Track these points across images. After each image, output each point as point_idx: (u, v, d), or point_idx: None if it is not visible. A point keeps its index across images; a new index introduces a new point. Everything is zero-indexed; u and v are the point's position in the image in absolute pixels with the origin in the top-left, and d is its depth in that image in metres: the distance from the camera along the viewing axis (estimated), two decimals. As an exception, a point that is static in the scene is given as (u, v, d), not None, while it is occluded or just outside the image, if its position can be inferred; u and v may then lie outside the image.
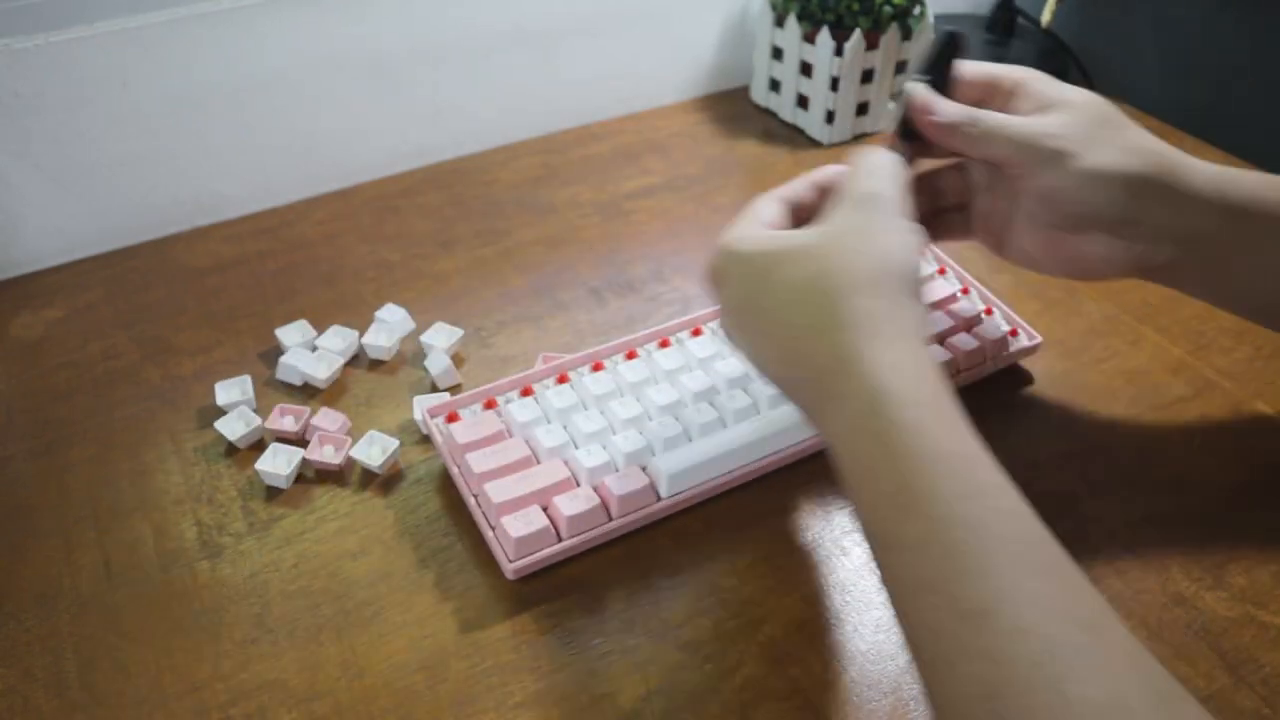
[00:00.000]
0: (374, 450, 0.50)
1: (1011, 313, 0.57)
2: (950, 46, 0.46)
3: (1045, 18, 0.80)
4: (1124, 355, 0.58)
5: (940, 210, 0.50)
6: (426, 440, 0.53)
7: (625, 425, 0.49)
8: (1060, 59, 0.86)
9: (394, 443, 0.50)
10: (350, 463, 0.51)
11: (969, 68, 0.46)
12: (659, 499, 0.47)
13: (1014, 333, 0.56)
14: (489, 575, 0.46)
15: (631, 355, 0.53)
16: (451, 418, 0.50)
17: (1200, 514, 0.48)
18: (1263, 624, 0.43)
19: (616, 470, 0.48)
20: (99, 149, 0.65)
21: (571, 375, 0.53)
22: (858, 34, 0.73)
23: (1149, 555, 0.46)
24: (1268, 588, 0.45)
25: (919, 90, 0.45)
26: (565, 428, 0.49)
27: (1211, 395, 0.55)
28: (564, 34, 0.77)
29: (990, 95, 0.46)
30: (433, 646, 0.43)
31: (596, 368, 0.53)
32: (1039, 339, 0.56)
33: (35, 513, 0.49)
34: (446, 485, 0.50)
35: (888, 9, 0.74)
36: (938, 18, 0.86)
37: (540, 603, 0.44)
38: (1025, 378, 0.56)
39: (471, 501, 0.47)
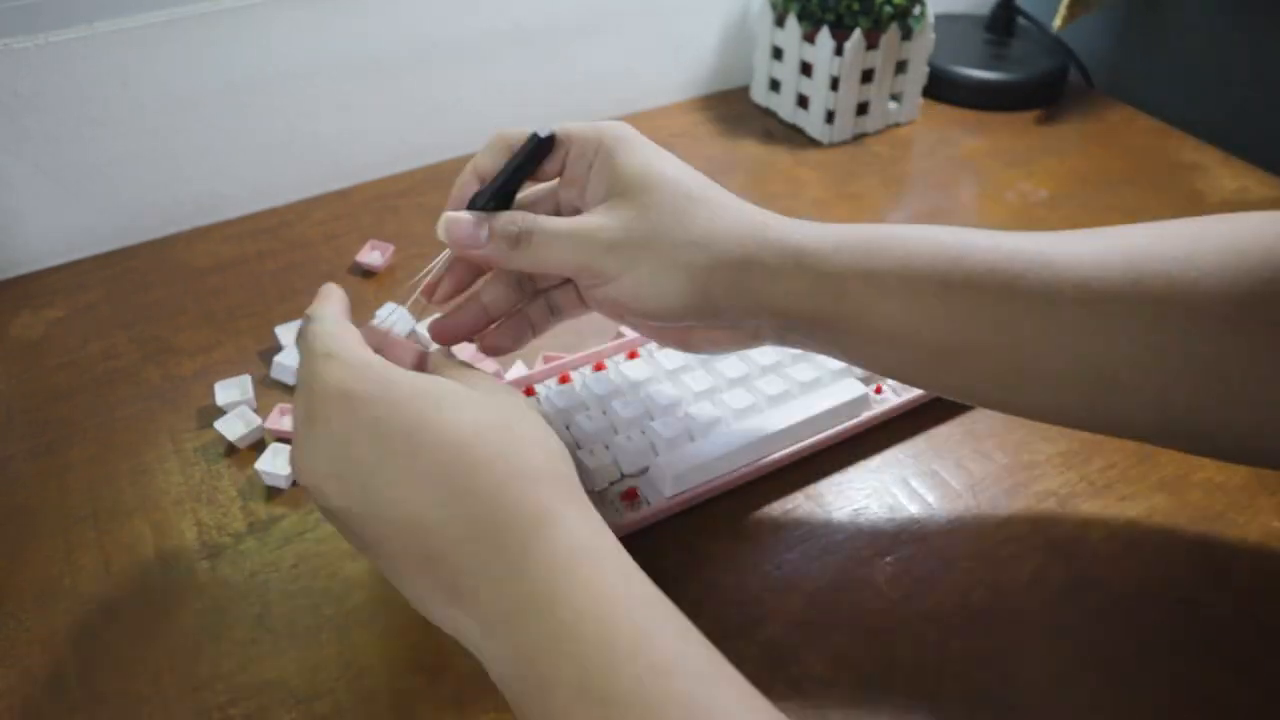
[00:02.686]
0: None
1: None
2: (539, 150, 0.41)
3: (1057, 24, 0.80)
4: (1162, 447, 0.57)
5: (537, 295, 0.46)
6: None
7: (627, 425, 0.49)
8: (1060, 59, 0.86)
9: None
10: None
11: (551, 162, 0.42)
12: (661, 498, 0.47)
13: None
14: (489, 575, 0.46)
15: (633, 355, 0.53)
16: None
17: (1200, 514, 0.48)
18: (1263, 624, 0.43)
19: (619, 471, 0.48)
20: (99, 149, 0.65)
21: (573, 375, 0.52)
22: (858, 34, 0.73)
23: (1149, 555, 0.46)
24: (1268, 588, 0.45)
25: (455, 225, 0.40)
26: (568, 428, 0.49)
27: (1211, 395, 0.55)
28: (564, 34, 0.77)
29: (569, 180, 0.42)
30: (433, 646, 0.43)
31: (598, 367, 0.53)
32: None
33: (35, 513, 0.49)
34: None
35: (888, 9, 0.74)
36: (937, 17, 0.86)
37: (540, 603, 0.44)
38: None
39: None
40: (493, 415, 0.36)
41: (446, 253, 0.42)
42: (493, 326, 0.46)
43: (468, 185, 0.42)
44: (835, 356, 0.43)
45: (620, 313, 0.42)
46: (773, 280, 0.39)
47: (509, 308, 0.45)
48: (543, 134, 0.40)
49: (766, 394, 0.50)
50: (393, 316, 0.59)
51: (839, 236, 0.39)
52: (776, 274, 0.39)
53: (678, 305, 0.39)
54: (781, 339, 0.42)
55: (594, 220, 0.40)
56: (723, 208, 0.40)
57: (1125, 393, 0.38)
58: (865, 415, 0.51)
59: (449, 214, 0.40)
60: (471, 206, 0.41)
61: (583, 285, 0.42)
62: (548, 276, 0.45)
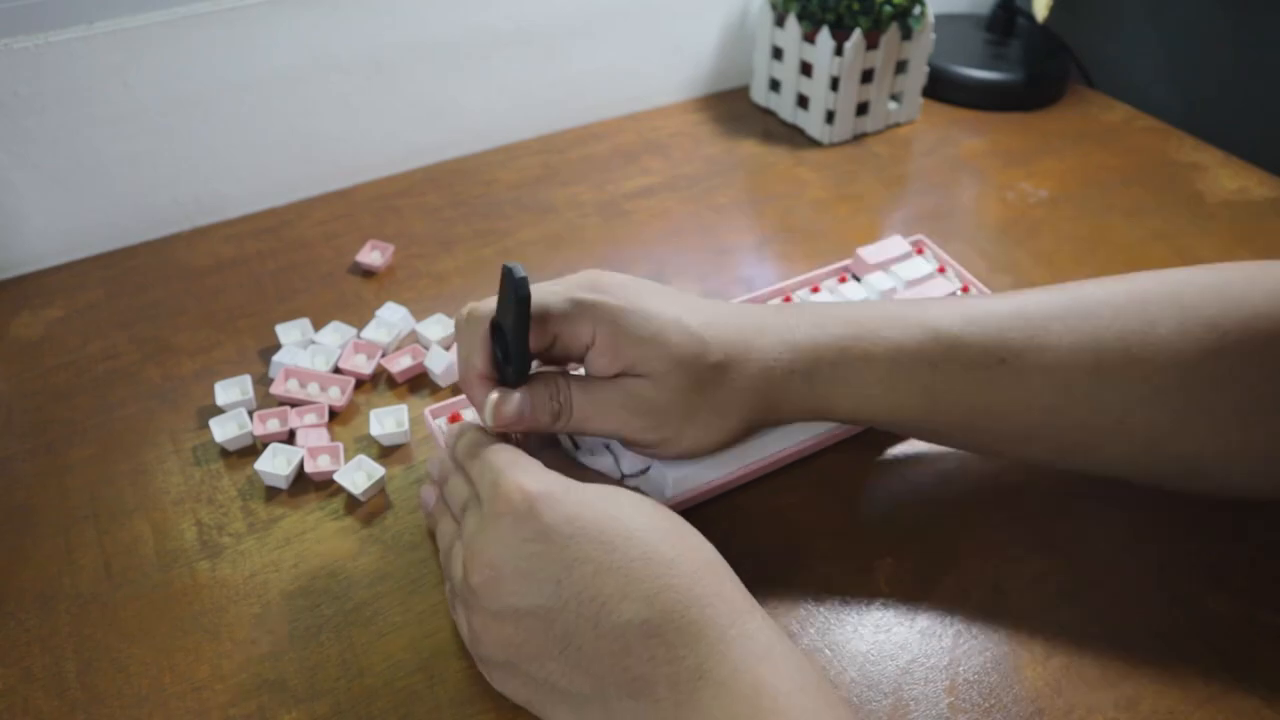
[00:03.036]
0: (359, 476, 0.49)
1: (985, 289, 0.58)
2: (523, 292, 0.38)
3: (1041, 14, 0.80)
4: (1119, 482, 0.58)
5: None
6: (427, 439, 0.53)
7: None
8: (1060, 59, 0.86)
9: (379, 470, 0.49)
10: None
11: (535, 341, 0.41)
12: (661, 499, 0.47)
13: None
14: (489, 575, 0.46)
15: None
16: (454, 418, 0.50)
17: (1200, 514, 0.48)
18: (1263, 624, 0.43)
19: (620, 471, 0.48)
20: (99, 149, 0.65)
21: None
22: (858, 34, 0.73)
23: (1149, 555, 0.46)
24: (1268, 588, 0.45)
25: (502, 408, 0.41)
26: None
27: (1211, 395, 0.55)
28: (564, 34, 0.77)
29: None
30: (433, 646, 0.43)
31: None
32: None
33: (35, 513, 0.49)
34: (446, 485, 0.50)
35: (888, 9, 0.74)
36: (937, 17, 0.86)
37: (540, 603, 0.44)
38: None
39: None
40: (664, 517, 0.38)
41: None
42: None
43: (475, 376, 0.42)
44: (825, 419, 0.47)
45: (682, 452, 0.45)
46: (787, 398, 0.44)
47: None
48: (518, 273, 0.38)
49: None
50: (394, 316, 0.60)
51: (836, 339, 0.43)
52: (789, 393, 0.43)
53: (718, 446, 0.45)
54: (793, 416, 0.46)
55: (627, 398, 0.42)
56: (742, 361, 0.42)
57: (1101, 452, 0.43)
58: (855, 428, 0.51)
59: (493, 397, 0.41)
60: (502, 378, 0.41)
61: (627, 443, 0.44)
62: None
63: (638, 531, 0.36)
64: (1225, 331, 0.40)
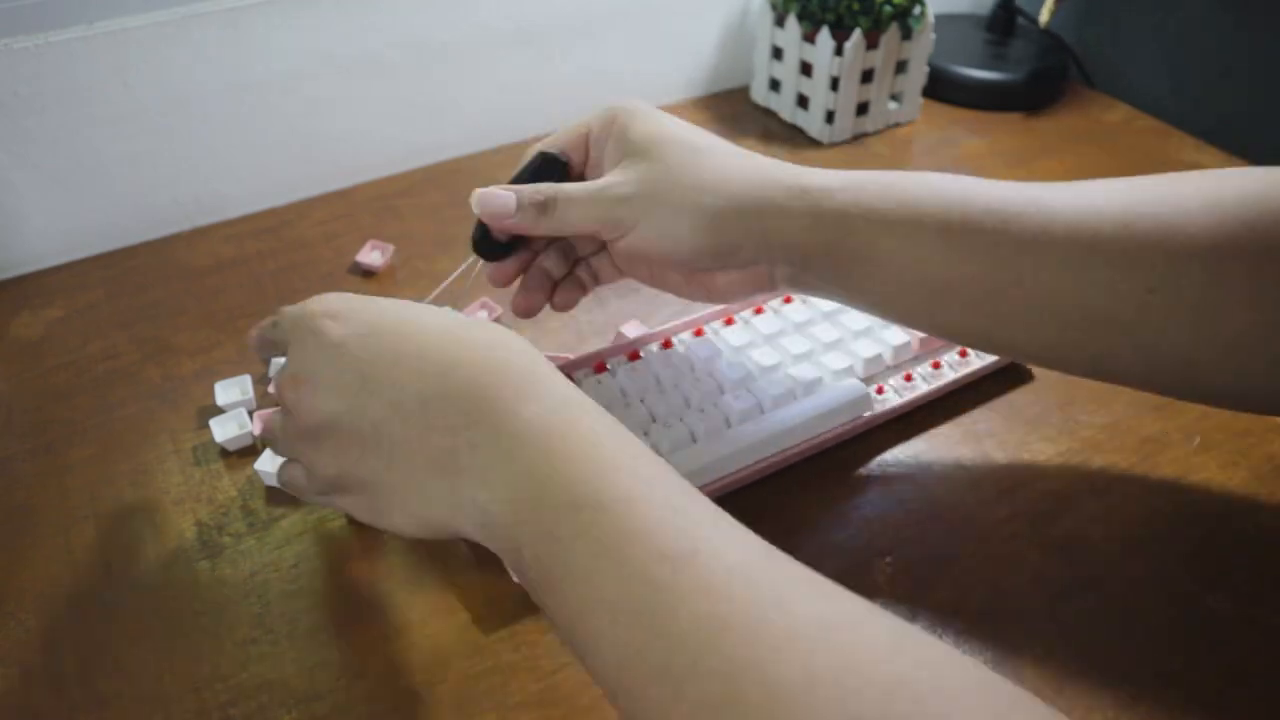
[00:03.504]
0: None
1: None
2: (549, 168, 0.46)
3: (1044, 18, 0.80)
4: (1146, 390, 0.58)
5: (569, 273, 0.50)
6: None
7: (630, 428, 0.49)
8: (1060, 59, 0.86)
9: None
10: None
11: (574, 154, 0.47)
12: None
13: None
14: (489, 575, 0.46)
15: (635, 356, 0.53)
16: None
17: (1200, 514, 0.48)
18: (1263, 624, 0.43)
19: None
20: (99, 149, 0.65)
21: (575, 376, 0.52)
22: (858, 34, 0.73)
23: (1149, 555, 0.46)
24: (1268, 588, 0.45)
25: (487, 197, 0.44)
26: None
27: (1211, 395, 0.55)
28: (564, 34, 0.77)
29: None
30: (433, 646, 0.43)
31: (599, 368, 0.53)
32: None
33: (35, 513, 0.49)
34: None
35: (888, 9, 0.74)
36: (937, 17, 0.86)
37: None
38: (1025, 375, 0.56)
39: None
40: (462, 319, 0.39)
41: (471, 258, 0.48)
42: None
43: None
44: (841, 299, 0.45)
45: (643, 263, 0.45)
46: (782, 217, 0.42)
47: (560, 275, 0.50)
48: (550, 151, 0.46)
49: (769, 395, 0.50)
50: None
51: (844, 177, 0.42)
52: (785, 211, 0.41)
53: (693, 246, 0.42)
54: (794, 282, 0.44)
55: (608, 179, 0.44)
56: (730, 155, 0.43)
57: (1114, 333, 0.40)
58: (866, 415, 0.51)
59: (481, 190, 0.44)
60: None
61: (608, 242, 0.45)
62: (585, 243, 0.49)
63: (431, 323, 0.38)
64: (1259, 227, 0.38)
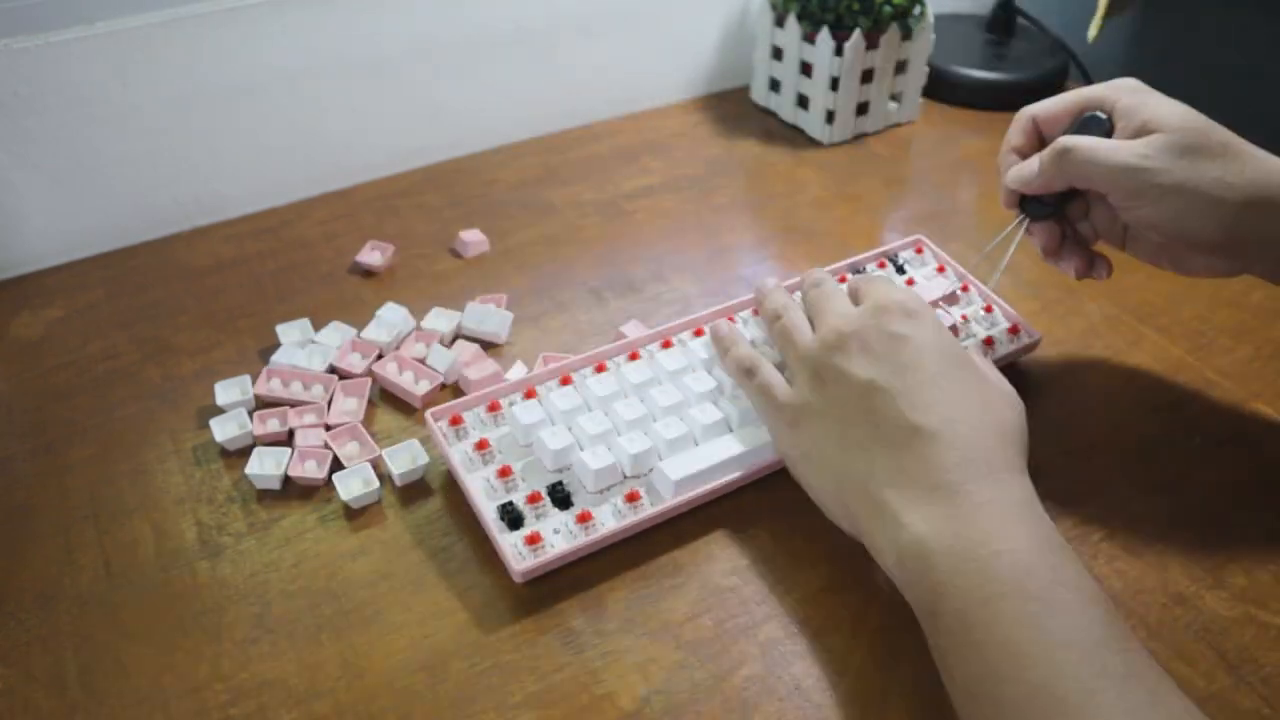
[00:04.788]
0: (354, 482, 0.49)
1: (1011, 310, 0.57)
2: (1093, 126, 0.48)
3: (1092, 33, 0.80)
4: (1124, 355, 0.58)
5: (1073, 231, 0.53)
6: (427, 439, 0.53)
7: (630, 427, 0.49)
8: (1060, 59, 0.86)
9: (375, 483, 0.49)
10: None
11: (1058, 104, 0.50)
12: (664, 500, 0.47)
13: (1014, 330, 0.56)
14: (489, 575, 0.46)
15: (634, 356, 0.53)
16: (455, 420, 0.50)
17: (1200, 514, 0.48)
18: (1263, 624, 0.43)
19: (622, 473, 0.48)
20: (99, 149, 0.65)
21: (575, 377, 0.52)
22: (858, 34, 0.73)
23: (1149, 555, 0.46)
24: (1268, 588, 0.45)
25: (1017, 172, 0.50)
26: (570, 429, 0.49)
27: (1211, 395, 0.55)
28: (564, 34, 0.77)
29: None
30: (433, 646, 0.43)
31: (599, 369, 0.52)
32: (1038, 336, 0.56)
33: (35, 513, 0.49)
34: (446, 485, 0.50)
35: (888, 9, 0.74)
36: (937, 17, 0.86)
37: (540, 602, 0.44)
38: (1025, 375, 0.56)
39: (477, 501, 0.47)
40: (995, 389, 0.45)
41: (1009, 228, 0.52)
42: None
43: (1011, 163, 0.51)
44: None
45: (1147, 231, 0.47)
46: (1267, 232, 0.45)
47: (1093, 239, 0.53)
48: (1103, 115, 0.48)
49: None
50: (394, 316, 0.60)
51: None
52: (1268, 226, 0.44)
53: (1208, 236, 0.45)
54: (1270, 275, 0.47)
55: (1136, 147, 0.45)
56: (1253, 155, 0.45)
57: None
58: None
59: (1013, 171, 0.50)
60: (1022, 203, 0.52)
61: (1119, 204, 0.47)
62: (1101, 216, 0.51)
63: (968, 380, 0.43)
64: None
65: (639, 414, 0.49)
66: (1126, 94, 0.47)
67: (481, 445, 0.49)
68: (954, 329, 0.55)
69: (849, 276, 0.49)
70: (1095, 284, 0.62)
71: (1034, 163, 0.49)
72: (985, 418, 0.41)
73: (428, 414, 0.50)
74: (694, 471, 0.47)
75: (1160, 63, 0.87)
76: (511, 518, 0.46)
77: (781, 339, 0.48)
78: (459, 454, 0.49)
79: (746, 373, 0.48)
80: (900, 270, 0.60)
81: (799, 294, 0.51)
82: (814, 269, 0.52)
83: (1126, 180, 0.45)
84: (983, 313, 0.57)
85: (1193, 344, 0.58)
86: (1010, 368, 0.56)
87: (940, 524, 0.38)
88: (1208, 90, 0.84)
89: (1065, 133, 0.49)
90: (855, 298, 0.47)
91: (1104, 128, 0.48)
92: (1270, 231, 0.45)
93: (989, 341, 0.55)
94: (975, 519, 0.38)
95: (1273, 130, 0.78)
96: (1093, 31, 0.80)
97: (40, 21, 0.60)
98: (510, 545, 0.45)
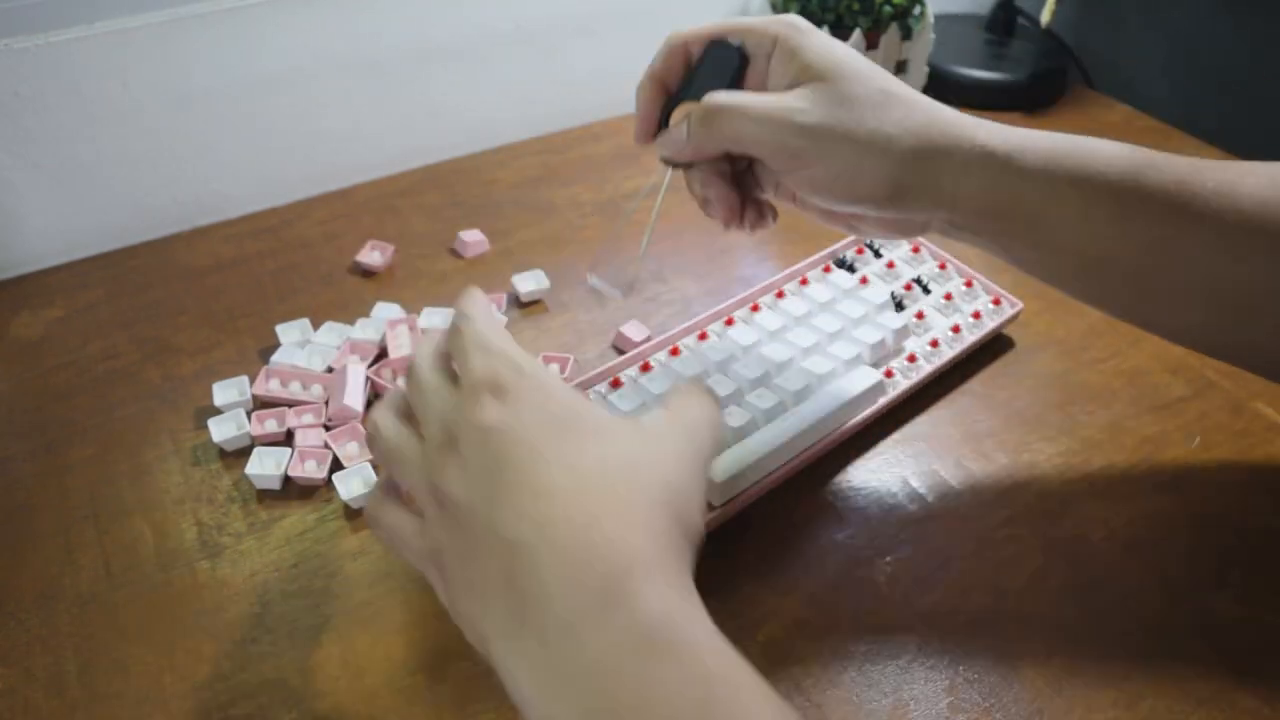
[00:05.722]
0: (354, 482, 0.49)
1: (990, 283, 0.59)
2: (723, 61, 0.43)
3: (1045, 18, 0.80)
4: (1124, 355, 0.58)
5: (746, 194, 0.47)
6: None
7: None
8: (1060, 59, 0.86)
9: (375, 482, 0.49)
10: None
11: (706, 32, 0.44)
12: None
13: (996, 301, 0.58)
14: (489, 575, 0.46)
15: (646, 368, 0.52)
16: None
17: (1200, 514, 0.48)
18: (1263, 624, 0.43)
19: None
20: (99, 149, 0.65)
21: (592, 393, 0.51)
22: (858, 34, 0.73)
23: (1149, 555, 0.46)
24: (1268, 588, 0.45)
25: (666, 142, 0.44)
26: None
27: (1211, 395, 0.55)
28: (564, 34, 0.77)
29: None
30: (433, 646, 0.43)
31: (615, 384, 0.52)
32: (1020, 305, 0.58)
33: (35, 513, 0.49)
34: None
35: (888, 9, 0.74)
36: (937, 17, 0.86)
37: (540, 603, 0.44)
38: (1024, 375, 0.56)
39: None
40: (638, 445, 0.35)
41: (663, 169, 0.46)
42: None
43: (653, 98, 0.45)
44: (992, 253, 0.44)
45: (813, 195, 0.43)
46: (961, 174, 0.41)
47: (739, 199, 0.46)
48: (734, 42, 0.42)
49: (790, 390, 0.50)
50: (392, 316, 0.59)
51: (1022, 138, 0.41)
52: (965, 168, 0.41)
53: (872, 192, 0.41)
54: (947, 232, 0.44)
55: (789, 101, 0.41)
56: (916, 102, 0.41)
57: (1256, 319, 0.41)
58: (882, 401, 0.52)
59: (661, 138, 0.44)
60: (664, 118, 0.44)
61: (779, 169, 0.43)
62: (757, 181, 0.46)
63: (572, 454, 0.33)
64: None
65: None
66: (785, 30, 0.42)
67: None
68: (920, 315, 0.57)
69: (451, 335, 0.37)
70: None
71: (681, 129, 0.43)
72: (598, 503, 0.32)
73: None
74: (735, 472, 0.46)
75: (1160, 62, 0.87)
76: None
77: (393, 469, 0.37)
78: None
79: (374, 522, 0.38)
80: (877, 255, 0.61)
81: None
82: (425, 339, 0.40)
83: (784, 141, 0.41)
84: (964, 287, 0.59)
85: (1193, 344, 0.58)
86: (1009, 370, 0.56)
87: (561, 698, 0.29)
88: (1207, 89, 0.84)
89: (695, 69, 0.43)
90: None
91: (733, 62, 0.42)
92: (939, 182, 0.41)
93: (956, 329, 0.56)
94: (601, 683, 0.29)
95: (1273, 129, 0.79)
96: (1046, 16, 0.80)
97: (40, 21, 0.60)
98: None
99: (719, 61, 0.43)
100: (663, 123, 0.45)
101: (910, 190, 0.41)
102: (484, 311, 0.38)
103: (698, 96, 0.42)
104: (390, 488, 0.39)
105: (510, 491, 0.32)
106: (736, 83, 0.43)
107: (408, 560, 0.37)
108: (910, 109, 0.41)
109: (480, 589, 0.32)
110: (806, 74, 0.41)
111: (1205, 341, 0.45)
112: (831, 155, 0.41)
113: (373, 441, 0.38)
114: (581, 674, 0.29)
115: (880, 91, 0.41)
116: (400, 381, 0.42)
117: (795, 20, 0.43)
